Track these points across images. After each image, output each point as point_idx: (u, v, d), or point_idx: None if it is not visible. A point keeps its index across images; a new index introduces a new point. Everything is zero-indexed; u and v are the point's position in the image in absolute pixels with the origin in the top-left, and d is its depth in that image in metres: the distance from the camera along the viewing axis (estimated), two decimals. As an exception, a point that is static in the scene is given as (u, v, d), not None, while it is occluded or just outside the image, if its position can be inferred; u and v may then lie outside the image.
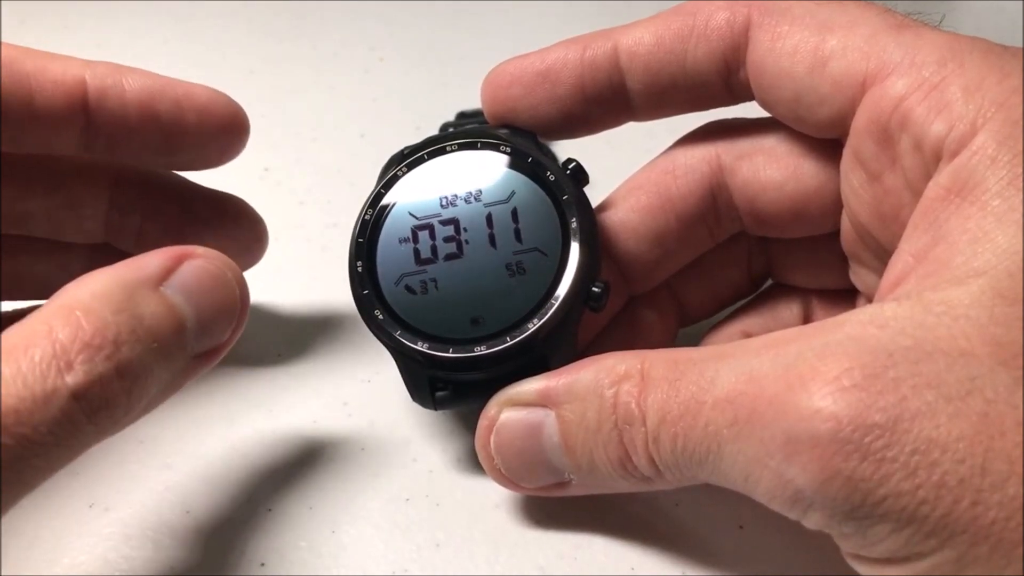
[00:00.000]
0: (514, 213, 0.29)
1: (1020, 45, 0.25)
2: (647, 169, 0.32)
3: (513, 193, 0.29)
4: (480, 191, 0.29)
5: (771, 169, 0.30)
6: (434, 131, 0.36)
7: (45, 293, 0.33)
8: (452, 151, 0.30)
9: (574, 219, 0.28)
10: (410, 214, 0.29)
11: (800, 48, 0.27)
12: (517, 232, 0.28)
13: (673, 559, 0.29)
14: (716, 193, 0.31)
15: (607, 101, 0.30)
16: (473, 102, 0.35)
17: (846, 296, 0.32)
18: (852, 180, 0.27)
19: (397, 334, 0.28)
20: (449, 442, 0.33)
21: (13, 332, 0.22)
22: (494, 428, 0.27)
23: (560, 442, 0.26)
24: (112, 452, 0.31)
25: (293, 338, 0.37)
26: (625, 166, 0.33)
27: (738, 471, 0.23)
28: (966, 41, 0.25)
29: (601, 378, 0.25)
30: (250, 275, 0.28)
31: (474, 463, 0.31)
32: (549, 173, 0.29)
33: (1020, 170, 0.22)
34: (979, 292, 0.21)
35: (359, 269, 0.29)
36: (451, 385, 0.29)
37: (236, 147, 0.32)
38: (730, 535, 0.29)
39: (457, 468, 0.32)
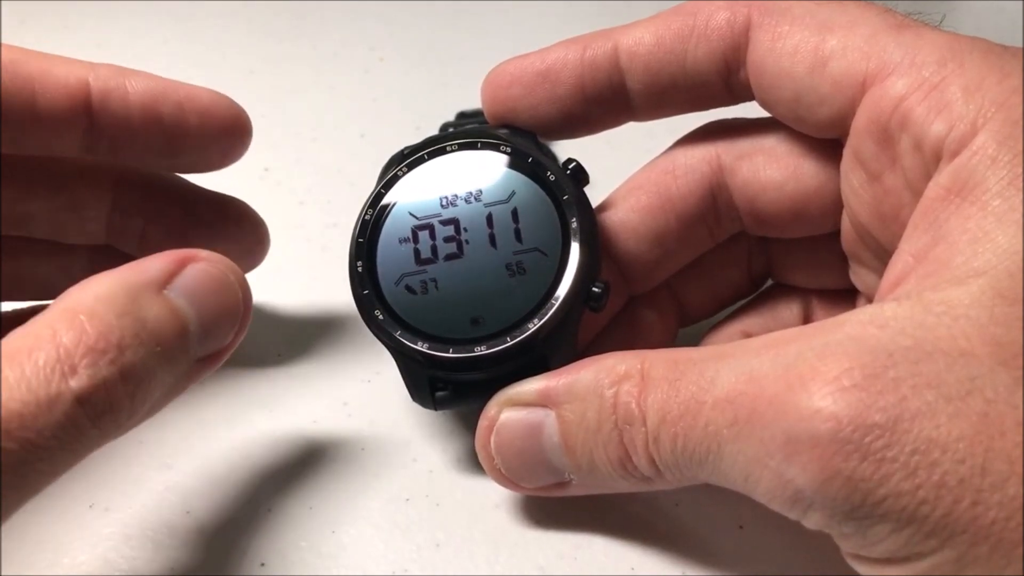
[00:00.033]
0: (514, 213, 0.29)
1: (1020, 45, 0.25)
2: (647, 169, 0.32)
3: (513, 193, 0.29)
4: (480, 191, 0.29)
5: (771, 169, 0.30)
6: (434, 131, 0.36)
7: (46, 294, 0.33)
8: (452, 151, 0.30)
9: (574, 219, 0.28)
10: (410, 214, 0.29)
11: (800, 48, 0.27)
12: (517, 232, 0.28)
13: (673, 559, 0.29)
14: (716, 193, 0.31)
15: (607, 101, 0.30)
16: (473, 102, 0.35)
17: (846, 296, 0.32)
18: (852, 180, 0.27)
19: (397, 334, 0.28)
20: (449, 442, 0.33)
21: (17, 335, 0.22)
22: (494, 428, 0.27)
23: (560, 442, 0.26)
24: (113, 453, 0.31)
25: (293, 338, 0.37)
26: (625, 166, 0.33)
27: (738, 471, 0.23)
28: (966, 41, 0.25)
29: (601, 378, 0.25)
30: (250, 275, 0.28)
31: (474, 463, 0.31)
32: (549, 173, 0.29)
33: (1020, 170, 0.22)
34: (979, 292, 0.21)
35: (359, 269, 0.29)
36: (451, 385, 0.29)
37: (238, 150, 0.32)
38: (730, 535, 0.29)
39: (457, 468, 0.32)
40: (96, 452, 0.23)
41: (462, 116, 0.43)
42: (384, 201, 0.29)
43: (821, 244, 0.31)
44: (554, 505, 0.30)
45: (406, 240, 0.29)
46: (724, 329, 0.33)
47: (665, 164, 0.31)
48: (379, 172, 0.31)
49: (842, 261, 0.31)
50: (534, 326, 0.28)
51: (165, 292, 0.24)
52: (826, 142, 0.29)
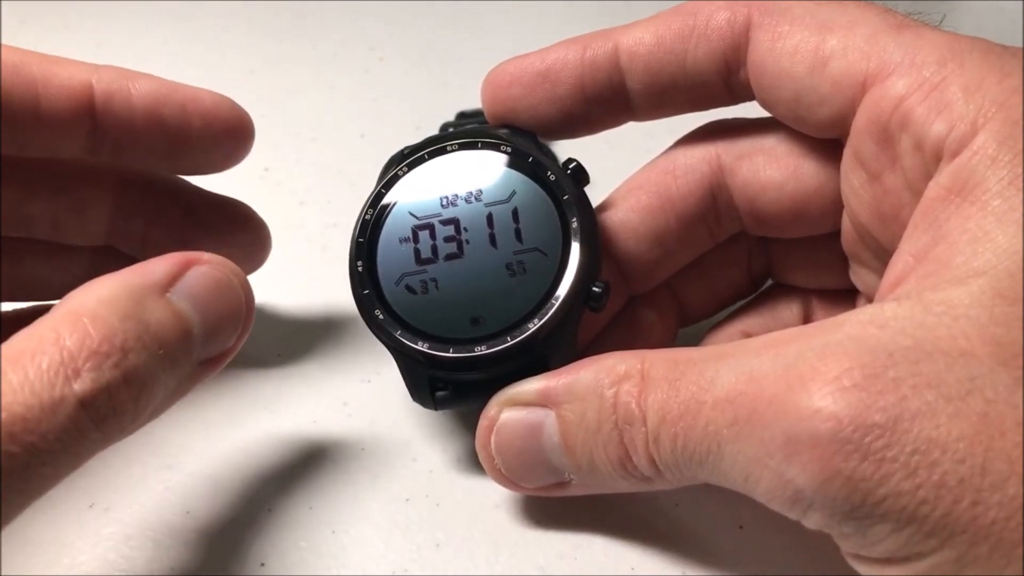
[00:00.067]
0: (514, 213, 0.29)
1: (1020, 45, 0.25)
2: (647, 169, 0.32)
3: (513, 193, 0.29)
4: (480, 191, 0.29)
5: (771, 169, 0.30)
6: (434, 131, 0.36)
7: (47, 295, 0.33)
8: (452, 151, 0.30)
9: (574, 219, 0.29)
10: (410, 214, 0.29)
11: (800, 48, 0.27)
12: (517, 232, 0.28)
13: (673, 559, 0.29)
14: (716, 193, 0.31)
15: (607, 101, 0.30)
16: (473, 102, 0.35)
17: (846, 296, 0.32)
18: (852, 180, 0.27)
19: (397, 334, 0.28)
20: (449, 442, 0.33)
21: (20, 338, 0.22)
22: (494, 428, 0.27)
23: (560, 442, 0.26)
24: (113, 453, 0.31)
25: (293, 338, 0.37)
26: (625, 166, 0.33)
27: (738, 471, 0.23)
28: (966, 41, 0.25)
29: (601, 378, 0.25)
30: (251, 276, 0.28)
31: (474, 463, 0.31)
32: (549, 173, 0.29)
33: (1020, 170, 0.22)
34: (979, 292, 0.21)
35: (359, 269, 0.29)
36: (451, 385, 0.29)
37: (241, 152, 0.32)
38: (730, 535, 0.29)
39: (457, 468, 0.32)
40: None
41: (462, 116, 0.43)
42: (384, 201, 0.29)
43: (821, 244, 0.31)
44: (554, 505, 0.30)
45: (406, 240, 0.29)
46: (724, 329, 0.33)
47: (665, 164, 0.31)
48: (379, 172, 0.31)
49: (842, 261, 0.31)
50: (534, 326, 0.28)
51: (168, 295, 0.24)
52: (826, 142, 0.29)
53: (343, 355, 0.36)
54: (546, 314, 0.28)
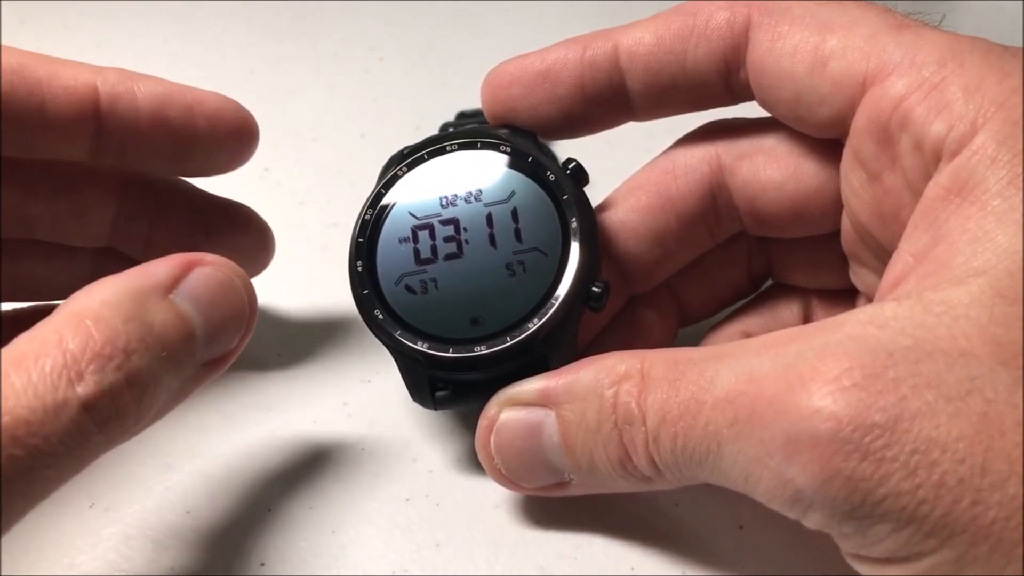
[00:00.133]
0: (514, 213, 0.29)
1: (1020, 45, 0.25)
2: (647, 169, 0.32)
3: (513, 193, 0.29)
4: (480, 191, 0.29)
5: (771, 169, 0.30)
6: (434, 131, 0.36)
7: (48, 295, 0.33)
8: (452, 151, 0.30)
9: (574, 219, 0.29)
10: (410, 214, 0.29)
11: (800, 48, 0.27)
12: (517, 232, 0.28)
13: (673, 559, 0.29)
14: (716, 193, 0.31)
15: (607, 101, 0.30)
16: (473, 102, 0.35)
17: (846, 296, 0.32)
18: (852, 180, 0.27)
19: (397, 334, 0.28)
20: (449, 442, 0.33)
21: (23, 340, 0.22)
22: (494, 428, 0.27)
23: (560, 442, 0.26)
24: (113, 453, 0.31)
25: (293, 338, 0.37)
26: (625, 166, 0.33)
27: (738, 471, 0.23)
28: (966, 41, 0.25)
29: (601, 378, 0.25)
30: (251, 276, 0.28)
31: (474, 463, 0.31)
32: (549, 173, 0.29)
33: (1020, 170, 0.22)
34: (979, 292, 0.21)
35: (359, 269, 0.29)
36: (451, 385, 0.29)
37: (245, 153, 0.32)
38: (730, 535, 0.29)
39: (457, 468, 0.32)
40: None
41: (462, 116, 0.43)
42: (384, 201, 0.29)
43: (821, 244, 0.31)
44: (554, 505, 0.30)
45: (406, 240, 0.29)
46: (724, 329, 0.33)
47: (665, 164, 0.31)
48: (379, 172, 0.31)
49: (842, 261, 0.31)
50: (534, 326, 0.28)
51: (171, 297, 0.24)
52: (826, 142, 0.29)
53: (343, 355, 0.36)
54: (546, 314, 0.28)
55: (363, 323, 0.29)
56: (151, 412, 0.23)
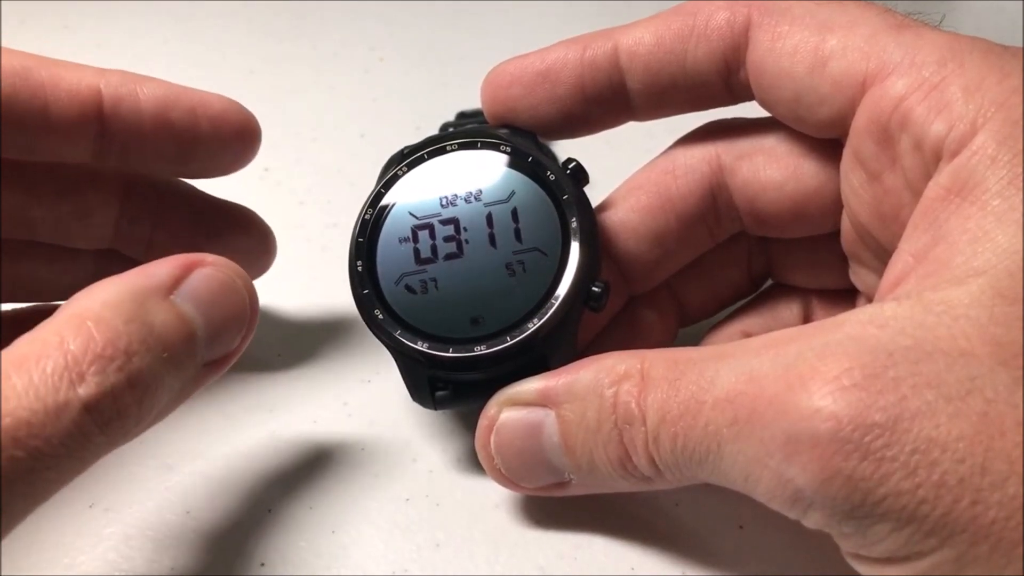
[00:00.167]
0: (514, 213, 0.29)
1: (1020, 45, 0.25)
2: (647, 169, 0.32)
3: (513, 193, 0.29)
4: (480, 191, 0.29)
5: (771, 169, 0.30)
6: (434, 131, 0.36)
7: (48, 296, 0.33)
8: (452, 151, 0.30)
9: (574, 219, 0.29)
10: (410, 214, 0.29)
11: (800, 48, 0.27)
12: (517, 232, 0.28)
13: (673, 559, 0.29)
14: (716, 193, 0.31)
15: (607, 101, 0.30)
16: (473, 102, 0.35)
17: (846, 296, 0.32)
18: (852, 180, 0.27)
19: (397, 334, 0.28)
20: (449, 442, 0.33)
21: (24, 342, 0.22)
22: (494, 428, 0.27)
23: (560, 442, 0.26)
24: (113, 453, 0.31)
25: (293, 338, 0.37)
26: (625, 166, 0.33)
27: (738, 471, 0.23)
28: (966, 41, 0.25)
29: (601, 378, 0.25)
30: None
31: (474, 463, 0.31)
32: (549, 173, 0.29)
33: (1020, 170, 0.22)
34: (979, 292, 0.21)
35: (359, 269, 0.29)
36: (451, 385, 0.29)
37: (248, 155, 0.32)
38: (730, 535, 0.29)
39: (457, 468, 0.32)
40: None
41: (462, 116, 0.43)
42: (384, 201, 0.29)
43: (821, 244, 0.31)
44: (554, 505, 0.30)
45: (406, 240, 0.29)
46: (724, 329, 0.33)
47: (665, 164, 0.31)
48: (379, 172, 0.31)
49: (842, 261, 0.31)
50: (534, 326, 0.28)
51: (172, 297, 0.24)
52: (826, 142, 0.29)
53: (343, 355, 0.36)
54: (546, 314, 0.28)
55: (363, 323, 0.29)
56: (152, 413, 0.23)
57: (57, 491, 0.22)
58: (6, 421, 0.20)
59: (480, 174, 0.29)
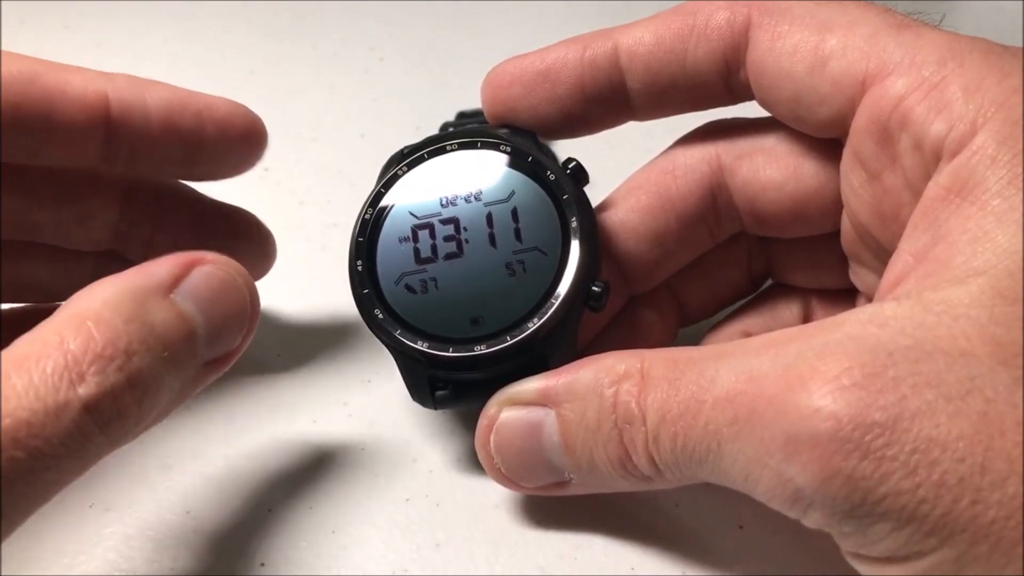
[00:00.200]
0: (514, 212, 0.29)
1: (1020, 45, 0.25)
2: (647, 169, 0.32)
3: (513, 192, 0.29)
4: (480, 190, 0.29)
5: (771, 169, 0.30)
6: (434, 131, 0.36)
7: (49, 297, 0.33)
8: (452, 150, 0.30)
9: (574, 218, 0.29)
10: (410, 213, 0.29)
11: (800, 48, 0.27)
12: (517, 231, 0.28)
13: (673, 559, 0.29)
14: (716, 193, 0.31)
15: (607, 101, 0.30)
16: (473, 102, 0.35)
17: (846, 296, 0.32)
18: (852, 180, 0.27)
19: (397, 333, 0.28)
20: (449, 442, 0.33)
21: (24, 342, 0.22)
22: (494, 427, 0.27)
23: (560, 441, 0.26)
24: (113, 453, 0.31)
25: (293, 338, 0.37)
26: (625, 166, 0.33)
27: (738, 470, 0.23)
28: (966, 41, 0.25)
29: (601, 377, 0.25)
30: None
31: (474, 463, 0.31)
32: (549, 172, 0.29)
33: (1020, 169, 0.22)
34: (979, 292, 0.21)
35: (359, 268, 0.29)
36: (451, 384, 0.29)
37: (254, 158, 0.32)
38: (730, 535, 0.29)
39: (457, 468, 0.32)
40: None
41: (462, 116, 0.43)
42: (384, 200, 0.29)
43: (821, 244, 0.31)
44: (554, 505, 0.30)
45: (406, 239, 0.29)
46: (724, 329, 0.33)
47: (665, 164, 0.31)
48: (379, 172, 0.31)
49: (842, 261, 0.31)
50: (534, 325, 0.28)
51: (172, 296, 0.24)
52: (826, 142, 0.29)
53: (343, 355, 0.36)
54: (546, 313, 0.28)
55: (363, 323, 0.29)
56: (153, 413, 0.23)
57: (58, 492, 0.22)
58: (6, 422, 0.20)
59: (480, 174, 0.29)
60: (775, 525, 0.28)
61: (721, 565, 0.29)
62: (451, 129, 0.36)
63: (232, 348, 0.26)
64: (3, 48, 0.28)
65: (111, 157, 0.30)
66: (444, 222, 0.29)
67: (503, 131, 0.31)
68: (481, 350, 0.28)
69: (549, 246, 0.28)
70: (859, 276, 0.30)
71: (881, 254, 0.27)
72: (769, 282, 0.34)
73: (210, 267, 0.25)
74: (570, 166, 0.30)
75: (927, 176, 0.24)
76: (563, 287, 0.28)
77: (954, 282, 0.22)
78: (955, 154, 0.23)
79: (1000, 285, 0.21)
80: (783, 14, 0.27)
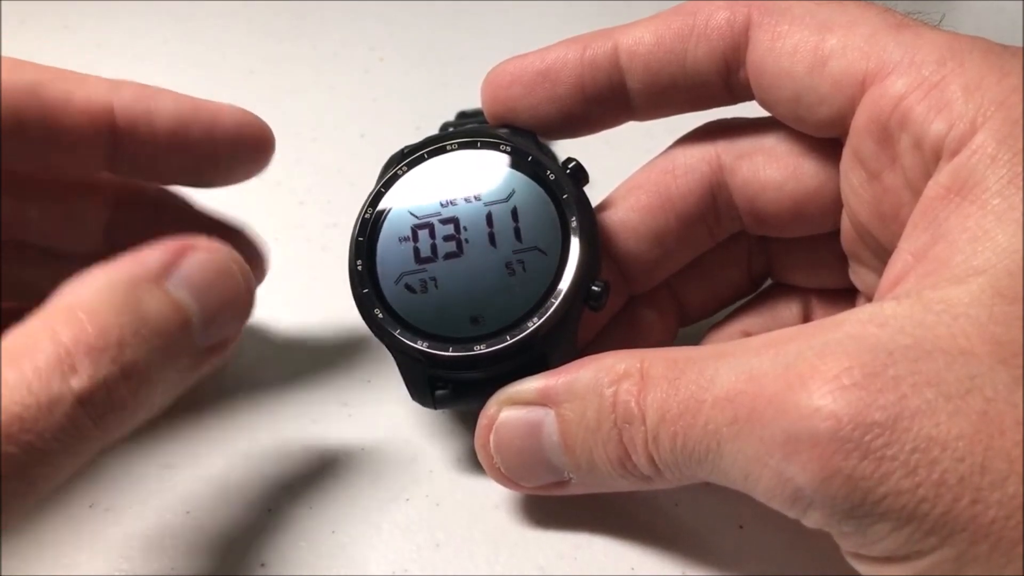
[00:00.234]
0: (514, 212, 0.29)
1: (1020, 45, 0.25)
2: (647, 169, 0.32)
3: (513, 192, 0.29)
4: (480, 190, 0.29)
5: (771, 168, 0.30)
6: (434, 131, 0.36)
7: (37, 298, 0.33)
8: (452, 150, 0.30)
9: (574, 218, 0.29)
10: (410, 213, 0.29)
11: (800, 48, 0.27)
12: (517, 231, 0.28)
13: (673, 559, 0.29)
14: (716, 193, 0.31)
15: (607, 100, 0.30)
16: (473, 102, 0.35)
17: (846, 296, 0.32)
18: (852, 179, 0.27)
19: (397, 333, 0.28)
20: (449, 442, 0.33)
21: (15, 335, 0.21)
22: (493, 427, 0.27)
23: (559, 441, 0.26)
24: (113, 453, 0.31)
25: (293, 338, 0.37)
26: (625, 166, 0.33)
27: (738, 470, 0.23)
28: (966, 40, 0.25)
29: (601, 377, 0.25)
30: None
31: (474, 463, 0.31)
32: (549, 172, 0.29)
33: (1020, 168, 0.22)
34: (979, 291, 0.21)
35: (359, 268, 0.29)
36: (451, 384, 0.29)
37: (262, 166, 0.32)
38: (730, 535, 0.29)
39: (457, 468, 0.32)
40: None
41: (462, 116, 0.43)
42: (384, 200, 0.29)
43: (821, 244, 0.31)
44: (554, 505, 0.30)
45: (406, 239, 0.29)
46: (724, 329, 0.33)
47: (665, 164, 0.31)
48: (379, 172, 0.31)
49: (842, 261, 0.31)
50: (533, 325, 0.28)
51: (165, 284, 0.23)
52: (826, 141, 0.29)
53: (343, 355, 0.36)
54: (545, 313, 0.28)
55: (363, 322, 0.29)
56: (148, 404, 0.23)
57: (54, 487, 0.21)
58: None
59: (480, 173, 0.29)
60: (775, 525, 0.28)
61: (721, 565, 0.29)
62: (451, 129, 0.36)
63: (229, 335, 0.25)
64: (3, 48, 0.28)
65: (116, 166, 0.30)
66: (444, 222, 0.29)
67: (503, 131, 0.31)
68: (481, 349, 0.28)
69: (549, 245, 0.28)
70: (859, 276, 0.30)
71: (881, 253, 0.27)
72: (769, 282, 0.34)
73: (203, 253, 0.24)
74: (570, 166, 0.30)
75: (927, 175, 0.24)
76: (563, 286, 0.28)
77: (954, 281, 0.22)
78: (955, 153, 0.23)
79: (1000, 284, 0.21)
80: (783, 14, 0.27)
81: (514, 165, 0.29)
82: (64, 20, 0.55)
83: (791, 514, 0.23)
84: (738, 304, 0.34)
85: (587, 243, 0.28)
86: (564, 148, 0.33)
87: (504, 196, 0.29)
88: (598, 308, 0.29)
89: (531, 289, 0.28)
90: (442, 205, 0.29)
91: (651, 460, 0.25)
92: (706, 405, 0.23)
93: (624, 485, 0.27)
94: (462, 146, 0.30)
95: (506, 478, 0.28)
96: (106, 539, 0.29)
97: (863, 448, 0.20)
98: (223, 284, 0.24)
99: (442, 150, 0.30)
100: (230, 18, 0.57)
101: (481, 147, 0.30)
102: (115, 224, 0.32)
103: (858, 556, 0.22)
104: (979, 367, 0.20)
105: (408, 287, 0.28)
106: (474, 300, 0.28)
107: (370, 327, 0.29)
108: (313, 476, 0.31)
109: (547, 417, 0.26)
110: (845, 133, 0.27)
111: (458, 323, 0.28)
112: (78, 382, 0.21)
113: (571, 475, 0.27)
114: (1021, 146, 0.22)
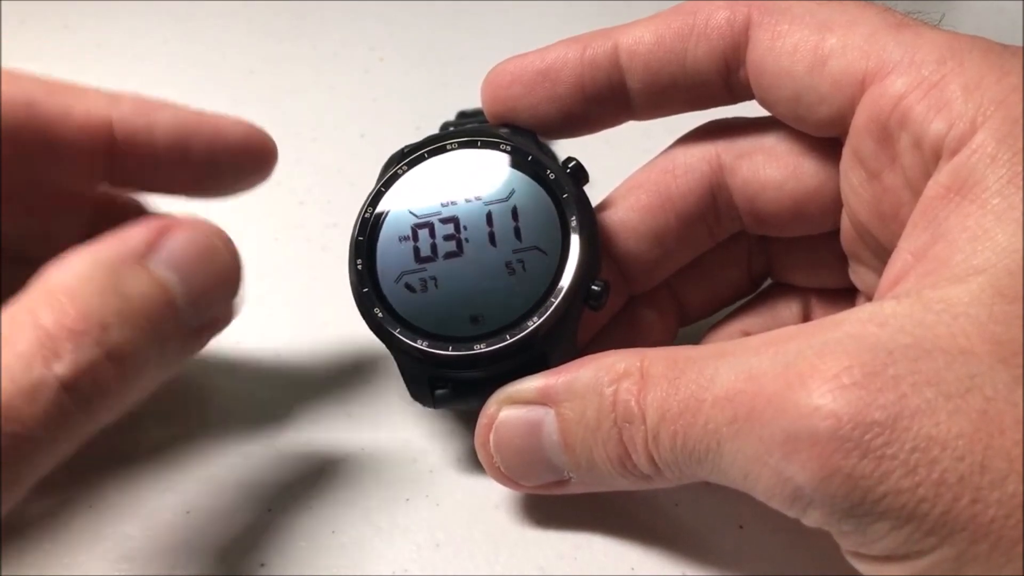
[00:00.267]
0: (514, 211, 0.29)
1: (1020, 45, 0.25)
2: (647, 168, 0.32)
3: (513, 192, 0.29)
4: (480, 190, 0.29)
5: (771, 168, 0.30)
6: (434, 131, 0.36)
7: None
8: (452, 150, 0.30)
9: (574, 217, 0.29)
10: (410, 212, 0.29)
11: (800, 47, 0.27)
12: (517, 230, 0.28)
13: (673, 559, 0.29)
14: (716, 192, 0.31)
15: (607, 100, 0.30)
16: (473, 102, 0.35)
17: (846, 295, 0.32)
18: (852, 179, 0.27)
19: (397, 332, 0.28)
20: (449, 442, 0.33)
21: None
22: (493, 426, 0.27)
23: (559, 440, 0.26)
24: (112, 452, 0.31)
25: (292, 338, 0.37)
26: (625, 166, 0.33)
27: (737, 469, 0.23)
28: (966, 40, 0.25)
29: (601, 376, 0.25)
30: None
31: (474, 463, 0.31)
32: (549, 172, 0.29)
33: (1020, 168, 0.22)
34: (978, 290, 0.21)
35: (359, 267, 0.29)
36: (451, 383, 0.29)
37: (264, 177, 0.32)
38: (730, 535, 0.29)
39: (457, 468, 0.32)
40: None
41: (462, 115, 0.43)
42: (384, 200, 0.29)
43: (821, 243, 0.31)
44: (554, 505, 0.30)
45: (406, 238, 0.29)
46: (724, 328, 0.33)
47: (665, 163, 0.31)
48: (379, 171, 0.31)
49: (842, 260, 0.31)
50: (533, 324, 0.28)
51: (147, 263, 0.23)
52: (826, 141, 0.29)
53: (343, 355, 0.36)
54: (545, 312, 0.28)
55: (363, 322, 0.29)
56: (136, 387, 0.22)
57: (42, 475, 0.21)
58: None
59: (480, 173, 0.29)
60: (775, 525, 0.28)
61: (721, 565, 0.29)
62: (451, 128, 0.36)
63: (218, 314, 0.25)
64: (3, 48, 0.28)
65: (115, 179, 0.29)
66: (444, 221, 0.29)
67: (503, 130, 0.31)
68: (481, 349, 0.28)
69: (549, 245, 0.28)
70: (859, 275, 0.30)
71: (881, 253, 0.27)
72: (769, 282, 0.34)
73: (186, 231, 0.24)
74: (570, 165, 0.30)
75: (927, 175, 0.24)
76: (563, 286, 0.28)
77: (954, 280, 0.22)
78: (955, 152, 0.23)
79: (1000, 283, 0.21)
80: (783, 13, 0.27)
81: (514, 165, 0.29)
82: (64, 20, 0.55)
83: (791, 513, 0.23)
84: (738, 304, 0.34)
85: (587, 242, 0.28)
86: (564, 148, 0.33)
87: (504, 195, 0.29)
88: (598, 308, 0.29)
89: (531, 288, 0.28)
90: (442, 204, 0.29)
91: (651, 459, 0.25)
92: (706, 404, 0.23)
93: (624, 484, 0.27)
94: (462, 146, 0.30)
95: (506, 477, 0.28)
96: (106, 539, 0.29)
97: (863, 447, 0.20)
98: (208, 261, 0.24)
99: (442, 150, 0.30)
100: (230, 18, 0.57)
101: (481, 147, 0.30)
102: (95, 233, 0.32)
103: (858, 555, 0.22)
104: (979, 366, 0.20)
105: (408, 286, 0.28)
106: (474, 299, 0.28)
107: (370, 326, 0.29)
108: (313, 476, 0.31)
109: (547, 416, 0.26)
110: (845, 132, 0.27)
111: (458, 322, 0.28)
112: (61, 367, 0.20)
113: (571, 474, 0.27)
114: (1021, 145, 0.22)
